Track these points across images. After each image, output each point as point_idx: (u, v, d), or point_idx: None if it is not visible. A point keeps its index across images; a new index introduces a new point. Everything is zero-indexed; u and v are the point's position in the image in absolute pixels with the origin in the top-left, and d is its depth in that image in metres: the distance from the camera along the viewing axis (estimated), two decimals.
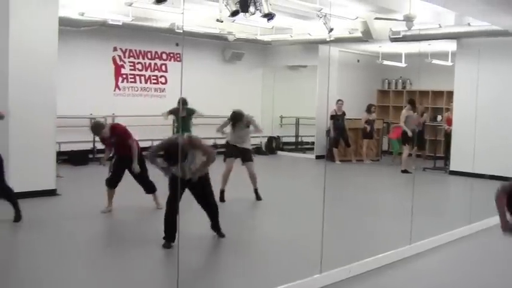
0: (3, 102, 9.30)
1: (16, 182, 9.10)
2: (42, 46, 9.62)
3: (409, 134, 14.40)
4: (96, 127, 8.89)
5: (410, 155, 14.65)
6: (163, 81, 16.11)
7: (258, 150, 17.81)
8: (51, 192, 9.85)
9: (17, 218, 7.99)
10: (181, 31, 14.17)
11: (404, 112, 14.86)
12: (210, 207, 7.32)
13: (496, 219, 8.76)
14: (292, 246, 7.32)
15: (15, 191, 8.98)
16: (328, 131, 16.86)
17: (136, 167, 8.62)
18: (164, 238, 6.90)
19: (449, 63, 15.86)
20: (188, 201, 7.18)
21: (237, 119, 9.83)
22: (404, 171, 14.24)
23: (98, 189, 9.84)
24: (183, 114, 12.44)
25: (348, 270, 6.02)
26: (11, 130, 9.24)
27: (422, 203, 7.90)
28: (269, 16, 11.09)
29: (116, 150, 8.96)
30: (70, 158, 13.69)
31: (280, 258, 6.74)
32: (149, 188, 8.94)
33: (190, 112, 12.76)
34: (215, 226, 7.40)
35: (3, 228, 7.77)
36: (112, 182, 8.78)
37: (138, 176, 8.79)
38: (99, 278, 5.90)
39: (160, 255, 6.75)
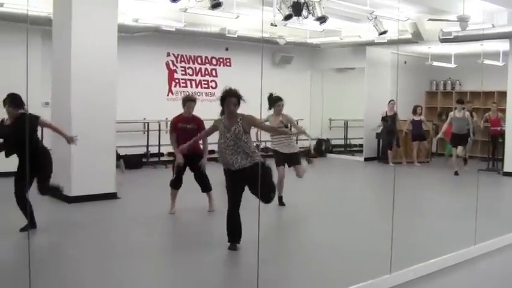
0: (66, 107, 9.57)
1: (78, 186, 9.40)
2: (103, 52, 9.84)
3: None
4: (189, 98, 9.10)
5: (459, 156, 14.62)
6: (214, 85, 16.28)
7: (307, 153, 17.88)
8: (112, 196, 10.04)
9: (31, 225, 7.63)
10: (232, 36, 14.33)
11: (450, 113, 14.75)
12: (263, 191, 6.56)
13: None
14: (356, 248, 7.36)
15: (78, 194, 9.31)
16: (378, 133, 16.90)
17: (205, 162, 8.90)
18: (229, 240, 6.96)
19: (500, 63, 15.70)
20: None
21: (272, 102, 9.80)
22: (455, 173, 14.22)
23: (157, 192, 10.08)
24: None
25: (415, 271, 6.05)
26: (73, 134, 9.43)
27: (482, 203, 7.86)
28: (322, 19, 11.19)
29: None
30: (124, 162, 13.89)
31: (347, 260, 6.80)
32: (206, 186, 9.11)
33: None
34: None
35: (73, 231, 7.98)
36: (176, 183, 8.99)
37: (199, 173, 8.99)
38: (166, 280, 6.03)
39: (223, 257, 6.86)
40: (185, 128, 8.86)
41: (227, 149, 6.68)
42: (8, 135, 7.38)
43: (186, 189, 9.15)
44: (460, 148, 14.47)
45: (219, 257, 6.80)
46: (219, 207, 8.95)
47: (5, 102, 7.44)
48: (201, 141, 8.68)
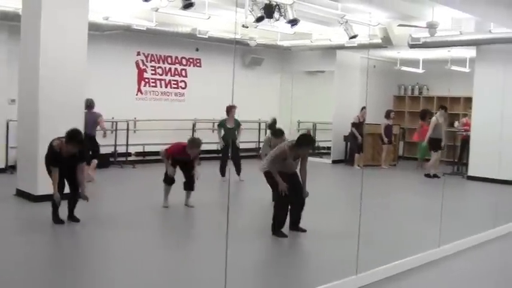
0: (33, 105, 9.46)
1: (44, 185, 9.22)
2: (72, 50, 9.71)
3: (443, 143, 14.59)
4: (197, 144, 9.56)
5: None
6: (183, 86, 16.26)
7: None
8: (78, 195, 9.91)
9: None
10: (203, 36, 14.38)
11: (433, 119, 14.95)
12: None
13: None
14: (323, 249, 7.44)
15: (43, 193, 9.20)
16: (345, 136, 17.04)
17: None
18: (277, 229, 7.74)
19: (466, 69, 15.94)
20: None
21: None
22: (428, 175, 14.51)
23: (127, 191, 10.03)
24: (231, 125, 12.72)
25: (381, 272, 6.13)
26: (41, 133, 9.35)
27: (447, 206, 7.99)
28: (294, 22, 11.24)
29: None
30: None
31: (313, 262, 6.86)
32: (191, 186, 9.66)
33: (238, 123, 12.91)
34: (296, 223, 8.08)
35: (43, 230, 7.90)
36: (169, 179, 9.49)
37: (189, 173, 9.57)
38: (144, 277, 6.03)
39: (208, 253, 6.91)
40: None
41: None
42: None
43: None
44: (439, 152, 14.78)
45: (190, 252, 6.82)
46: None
47: None
48: None
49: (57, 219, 8.03)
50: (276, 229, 7.77)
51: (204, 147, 14.60)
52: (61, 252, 7.09)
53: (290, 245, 7.66)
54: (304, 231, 8.02)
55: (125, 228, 8.20)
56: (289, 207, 7.94)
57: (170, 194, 9.53)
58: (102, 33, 13.21)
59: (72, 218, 8.22)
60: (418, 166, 16.54)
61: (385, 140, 16.45)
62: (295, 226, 8.04)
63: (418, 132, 16.61)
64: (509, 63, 13.16)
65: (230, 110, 12.64)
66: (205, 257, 6.83)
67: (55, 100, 9.47)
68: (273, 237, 7.65)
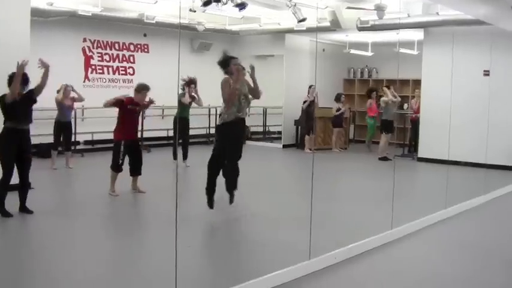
0: None
1: None
2: (15, 38, 9.41)
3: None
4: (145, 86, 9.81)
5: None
6: (132, 72, 16.02)
7: None
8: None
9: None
10: (150, 21, 14.17)
11: (383, 99, 15.05)
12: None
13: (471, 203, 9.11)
14: (275, 236, 7.38)
15: None
16: (296, 121, 17.05)
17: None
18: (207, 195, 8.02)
19: (415, 52, 16.07)
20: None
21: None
22: (383, 159, 14.58)
23: (75, 180, 9.87)
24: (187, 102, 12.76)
25: (334, 256, 6.12)
26: None
27: (399, 188, 8.02)
28: (242, 6, 11.13)
29: (126, 133, 9.59)
30: (38, 151, 13.44)
31: (265, 249, 6.81)
32: (137, 170, 9.64)
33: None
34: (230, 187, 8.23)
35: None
36: (119, 167, 9.46)
37: (137, 157, 9.64)
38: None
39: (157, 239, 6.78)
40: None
41: None
42: None
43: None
44: (389, 135, 14.90)
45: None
46: None
47: None
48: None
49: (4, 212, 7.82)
50: (207, 195, 8.00)
51: (153, 134, 14.80)
52: (5, 244, 6.91)
53: (242, 230, 7.62)
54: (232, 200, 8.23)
55: (74, 217, 8.12)
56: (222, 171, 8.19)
57: (118, 180, 9.40)
58: (46, 20, 12.88)
59: (24, 209, 8.02)
60: (368, 147, 16.68)
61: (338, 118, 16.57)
62: (229, 191, 8.21)
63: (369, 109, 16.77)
64: (457, 45, 13.26)
65: None
66: (155, 245, 6.77)
67: None
68: (224, 223, 7.57)
